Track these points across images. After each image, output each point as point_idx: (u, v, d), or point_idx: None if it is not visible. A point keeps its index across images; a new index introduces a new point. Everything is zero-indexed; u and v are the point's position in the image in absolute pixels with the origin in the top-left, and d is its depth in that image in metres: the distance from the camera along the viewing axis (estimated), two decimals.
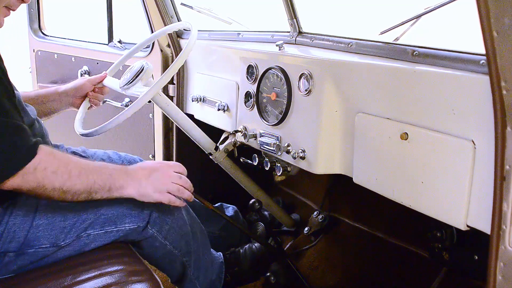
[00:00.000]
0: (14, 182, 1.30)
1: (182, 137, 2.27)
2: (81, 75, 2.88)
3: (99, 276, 1.38)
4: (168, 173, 1.56)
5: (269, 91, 1.82)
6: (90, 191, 1.43)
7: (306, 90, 1.65)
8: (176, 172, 1.59)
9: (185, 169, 1.63)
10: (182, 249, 1.70)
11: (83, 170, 1.41)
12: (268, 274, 2.12)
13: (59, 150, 1.58)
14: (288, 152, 1.73)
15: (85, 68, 2.89)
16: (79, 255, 1.51)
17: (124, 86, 1.82)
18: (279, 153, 1.76)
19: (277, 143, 1.77)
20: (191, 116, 2.25)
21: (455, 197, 1.23)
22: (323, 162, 1.63)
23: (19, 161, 1.30)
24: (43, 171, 1.33)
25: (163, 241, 1.64)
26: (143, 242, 1.63)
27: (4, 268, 1.44)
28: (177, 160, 2.54)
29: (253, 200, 2.14)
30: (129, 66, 1.89)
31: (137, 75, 1.80)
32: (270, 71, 1.81)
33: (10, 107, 1.32)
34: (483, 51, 1.00)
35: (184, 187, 1.59)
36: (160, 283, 1.42)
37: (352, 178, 1.57)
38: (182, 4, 2.48)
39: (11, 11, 1.44)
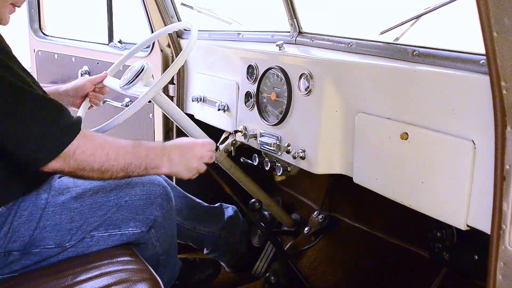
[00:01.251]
0: (56, 165, 1.32)
1: (182, 137, 2.27)
2: (81, 75, 2.88)
3: (100, 276, 1.39)
4: (201, 153, 1.62)
5: (269, 91, 1.82)
6: (127, 171, 1.46)
7: (306, 90, 1.65)
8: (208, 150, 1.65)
9: (215, 143, 1.72)
10: (168, 250, 1.75)
11: (120, 151, 1.43)
12: (268, 274, 2.12)
13: None
14: (288, 152, 1.73)
15: (85, 68, 2.89)
16: (81, 256, 1.51)
17: (124, 86, 1.82)
18: (279, 153, 1.76)
19: (277, 143, 1.77)
20: (191, 116, 2.25)
21: (455, 197, 1.23)
22: (323, 162, 1.63)
23: (61, 143, 1.31)
24: (82, 154, 1.35)
25: (155, 242, 1.66)
26: (142, 244, 1.65)
27: (8, 267, 1.45)
28: None
29: (253, 200, 2.14)
30: (129, 66, 1.89)
31: (137, 75, 1.79)
32: (270, 71, 1.81)
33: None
34: (483, 51, 1.00)
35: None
36: (161, 282, 1.43)
37: (352, 178, 1.57)
38: (182, 4, 2.47)
39: (16, 7, 1.44)
